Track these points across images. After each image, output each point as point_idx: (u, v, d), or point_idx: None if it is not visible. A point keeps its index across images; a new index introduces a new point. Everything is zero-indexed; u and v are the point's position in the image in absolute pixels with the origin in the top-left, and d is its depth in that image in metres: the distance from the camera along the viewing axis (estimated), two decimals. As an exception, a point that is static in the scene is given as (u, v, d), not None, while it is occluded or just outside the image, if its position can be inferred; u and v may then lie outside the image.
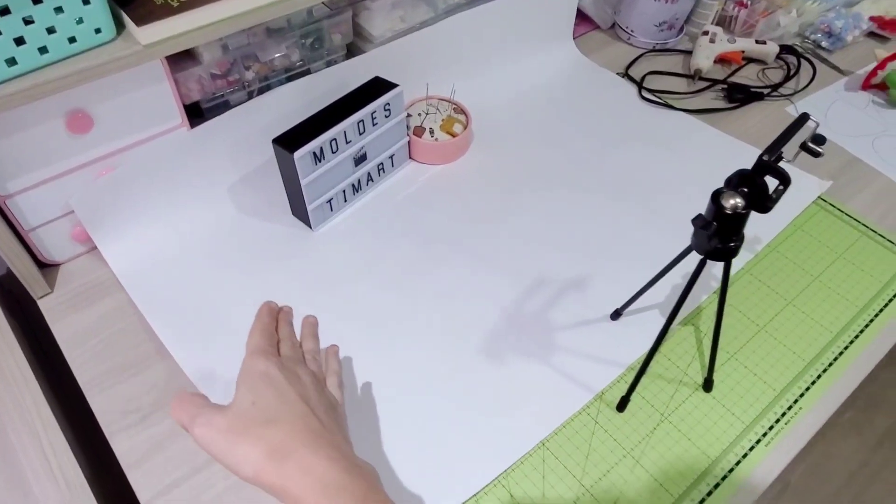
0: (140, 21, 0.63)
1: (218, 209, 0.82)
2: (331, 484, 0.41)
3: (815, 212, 0.85)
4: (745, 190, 0.51)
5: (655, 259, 0.68)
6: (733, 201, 0.50)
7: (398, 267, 0.77)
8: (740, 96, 0.99)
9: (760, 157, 0.50)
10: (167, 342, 0.69)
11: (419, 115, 0.89)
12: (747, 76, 1.04)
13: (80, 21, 0.60)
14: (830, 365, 0.70)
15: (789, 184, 0.50)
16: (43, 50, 0.60)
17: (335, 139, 0.76)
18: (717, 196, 0.50)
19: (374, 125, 0.80)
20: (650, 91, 1.01)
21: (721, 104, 0.99)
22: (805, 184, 0.87)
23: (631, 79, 1.03)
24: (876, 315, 0.74)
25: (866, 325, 0.73)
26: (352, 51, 0.88)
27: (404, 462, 0.61)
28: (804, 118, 0.53)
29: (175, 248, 0.78)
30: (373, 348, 0.70)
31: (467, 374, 0.68)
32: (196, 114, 0.79)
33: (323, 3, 0.78)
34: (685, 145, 0.92)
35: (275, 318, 0.57)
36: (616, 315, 0.72)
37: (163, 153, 0.75)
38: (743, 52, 1.05)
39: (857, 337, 0.72)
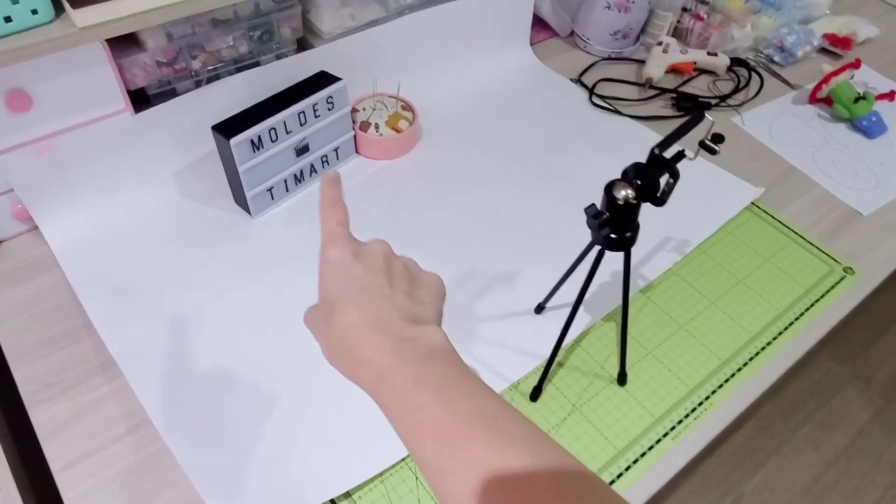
0: (76, 4, 0.65)
1: (161, 194, 0.83)
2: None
3: (748, 218, 0.86)
4: (639, 182, 0.53)
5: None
6: (625, 192, 0.52)
7: (332, 256, 0.79)
8: (688, 105, 1.01)
9: (652, 150, 0.52)
10: (94, 319, 0.70)
11: (365, 110, 0.91)
12: (698, 87, 1.07)
13: (15, 1, 0.62)
14: (745, 365, 0.71)
15: (678, 178, 0.52)
16: (-22, 28, 0.62)
17: (274, 128, 0.78)
18: (609, 187, 0.52)
19: (316, 117, 0.82)
20: (600, 97, 1.03)
21: (669, 112, 1.01)
22: (738, 190, 0.88)
23: (583, 85, 1.05)
24: (797, 318, 0.76)
25: (785, 328, 0.75)
26: (303, 46, 0.90)
27: (308, 437, 0.63)
28: (700, 116, 0.55)
29: (115, 229, 0.80)
30: (297, 327, 0.71)
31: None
32: (143, 100, 0.81)
33: (268, -4, 0.81)
34: (627, 150, 0.94)
35: (339, 188, 0.50)
36: (539, 309, 0.74)
37: (105, 136, 0.77)
38: (695, 63, 1.07)
39: (774, 339, 0.74)
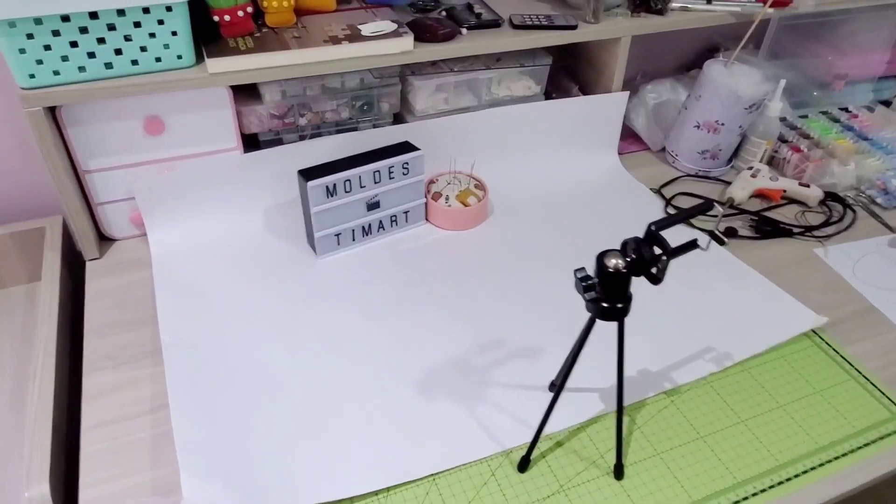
0: (211, 54, 0.81)
1: (249, 224, 0.95)
2: None
3: (806, 346, 0.81)
4: (633, 256, 0.54)
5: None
6: (615, 261, 0.53)
7: (379, 302, 0.85)
8: (767, 229, 0.99)
9: (649, 226, 0.54)
10: (160, 312, 0.81)
11: (440, 182, 0.99)
12: (784, 214, 1.04)
13: (167, 46, 0.79)
14: (762, 491, 0.66)
15: (671, 256, 0.53)
16: (135, 62, 0.79)
17: (349, 180, 0.88)
18: (602, 255, 0.54)
19: (390, 178, 0.91)
20: (675, 207, 1.03)
21: (746, 233, 0.99)
22: (798, 314, 0.84)
23: (661, 195, 1.07)
24: (837, 457, 0.69)
25: (820, 464, 0.68)
26: (399, 120, 1.01)
27: (302, 451, 0.66)
28: (708, 205, 0.56)
29: (204, 246, 0.92)
30: (326, 361, 0.77)
31: (394, 398, 0.72)
32: (253, 144, 0.95)
33: (370, 72, 0.93)
34: (689, 261, 0.93)
35: None
36: (553, 387, 0.74)
37: (216, 168, 0.91)
38: (784, 191, 1.05)
39: (805, 472, 0.67)
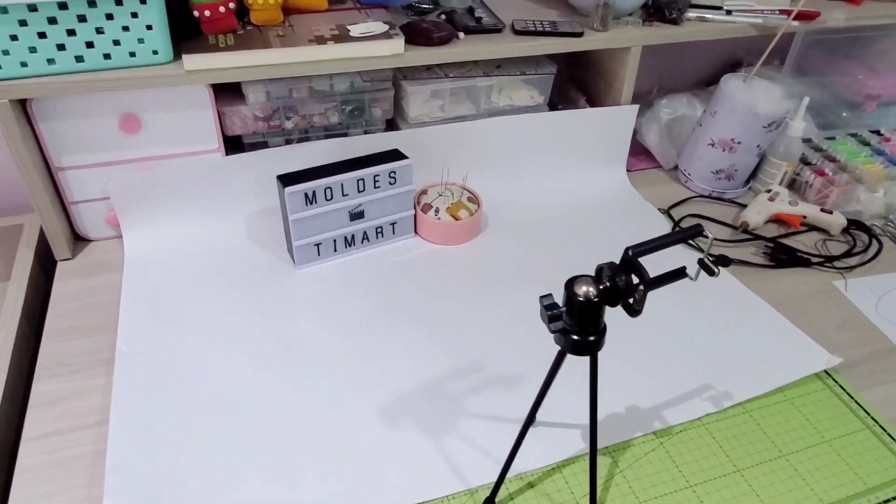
0: (187, 51, 0.77)
1: (228, 230, 0.91)
2: None
3: (817, 388, 0.73)
4: (608, 284, 0.48)
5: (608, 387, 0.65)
6: (586, 289, 0.47)
7: (354, 318, 0.79)
8: (783, 257, 0.91)
9: (626, 251, 0.47)
10: (121, 318, 0.77)
11: (430, 194, 0.94)
12: (803, 242, 0.96)
13: (141, 41, 0.75)
14: (756, 552, 0.58)
15: (649, 286, 0.46)
16: (107, 56, 0.75)
17: (330, 188, 0.83)
18: (571, 282, 0.48)
19: (375, 187, 0.86)
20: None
21: (759, 260, 0.92)
22: (809, 353, 0.76)
23: (669, 216, 1.00)
24: (844, 518, 0.61)
25: (824, 525, 0.61)
26: (392, 126, 0.97)
27: (247, 481, 0.61)
28: (698, 230, 0.50)
29: (180, 251, 0.88)
30: (289, 380, 0.72)
31: (355, 423, 0.67)
32: (237, 146, 0.91)
33: (360, 75, 0.89)
34: (695, 287, 0.86)
35: None
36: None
37: (196, 169, 0.87)
38: (804, 217, 0.98)
39: (806, 533, 0.60)
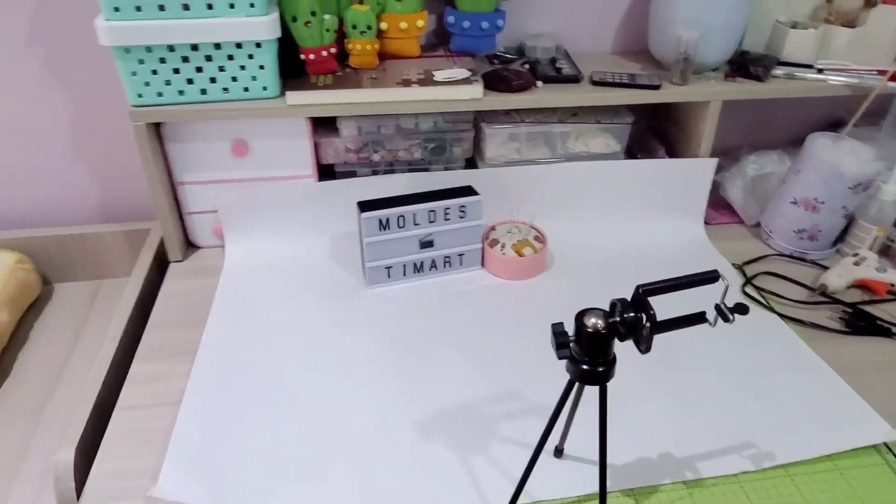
0: (290, 88, 0.88)
1: (314, 248, 1.01)
2: None
3: (872, 462, 0.70)
4: (618, 318, 0.50)
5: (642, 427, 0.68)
6: (595, 320, 0.50)
7: (412, 339, 0.85)
8: (860, 324, 0.87)
9: (637, 288, 0.50)
10: (211, 316, 0.88)
11: (499, 230, 0.99)
12: (889, 312, 0.91)
13: (254, 78, 0.88)
14: None
15: (654, 322, 0.49)
16: (225, 90, 0.88)
17: (403, 216, 0.90)
18: (581, 313, 0.51)
19: (446, 219, 0.93)
20: (755, 287, 0.94)
21: (834, 325, 0.88)
22: (867, 422, 0.72)
23: (742, 272, 0.98)
24: None
25: None
26: (471, 165, 1.03)
27: (288, 471, 0.68)
28: (714, 274, 0.51)
29: (270, 263, 0.98)
30: (342, 387, 0.78)
31: (393, 432, 0.72)
32: (330, 174, 1.01)
33: (442, 116, 0.96)
34: (756, 345, 0.84)
35: None
36: (559, 453, 0.70)
37: (291, 192, 0.98)
38: (892, 285, 0.92)
39: None
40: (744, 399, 0.77)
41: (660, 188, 1.04)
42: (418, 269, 0.96)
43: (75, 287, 1.09)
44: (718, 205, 1.11)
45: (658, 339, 0.82)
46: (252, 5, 0.82)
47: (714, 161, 1.02)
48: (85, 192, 1.12)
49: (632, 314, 0.49)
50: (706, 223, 1.08)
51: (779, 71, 0.98)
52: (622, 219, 1.05)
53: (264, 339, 0.85)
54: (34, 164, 1.08)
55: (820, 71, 0.98)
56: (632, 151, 1.06)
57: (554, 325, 0.52)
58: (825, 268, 0.99)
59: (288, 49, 0.90)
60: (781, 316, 0.89)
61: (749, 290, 0.95)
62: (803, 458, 0.69)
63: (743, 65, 0.98)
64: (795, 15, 1.00)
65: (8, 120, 1.03)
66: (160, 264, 1.03)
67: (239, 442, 0.71)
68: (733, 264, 1.00)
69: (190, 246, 1.04)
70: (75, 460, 0.69)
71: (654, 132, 1.11)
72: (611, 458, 0.69)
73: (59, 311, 1.04)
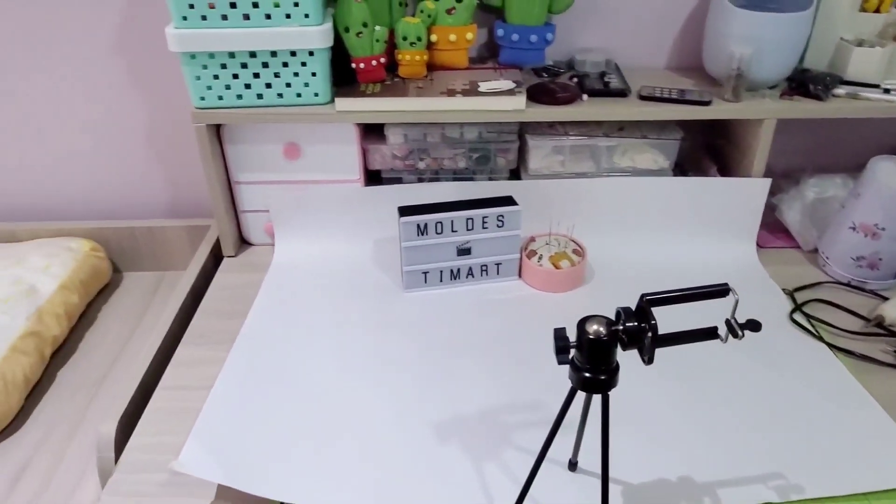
0: (340, 95, 0.92)
1: (357, 250, 1.04)
2: None
3: (913, 505, 0.65)
4: (621, 327, 0.50)
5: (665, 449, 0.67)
6: (597, 327, 0.50)
7: (443, 343, 0.87)
8: (918, 360, 0.82)
9: (642, 297, 0.49)
10: (253, 309, 0.92)
11: (538, 242, 0.99)
12: (954, 349, 0.85)
13: (306, 84, 0.92)
14: None
15: (655, 331, 0.48)
16: (280, 95, 0.93)
17: (441, 222, 0.92)
18: (584, 320, 0.51)
19: (483, 228, 0.94)
20: (805, 315, 0.90)
21: (888, 359, 0.83)
22: (910, 464, 0.67)
23: (793, 299, 0.94)
24: None
25: None
26: (515, 175, 1.04)
27: (304, 457, 0.70)
28: (723, 290, 0.50)
29: (314, 263, 1.02)
30: (368, 385, 0.81)
31: (412, 430, 0.73)
32: (376, 179, 1.05)
33: (487, 126, 0.98)
34: (800, 371, 0.80)
35: None
36: (573, 466, 0.69)
37: (339, 195, 1.02)
38: (959, 320, 0.86)
39: None
40: (779, 428, 0.73)
41: (709, 207, 1.01)
42: (455, 275, 0.97)
43: (142, 276, 1.17)
44: (774, 228, 1.07)
45: (695, 362, 0.80)
46: (307, 16, 0.86)
47: (767, 181, 0.98)
48: (155, 188, 1.21)
49: (634, 323, 0.49)
50: (759, 246, 1.04)
51: (841, 90, 0.94)
52: (667, 236, 1.03)
53: (299, 334, 0.88)
54: (112, 161, 1.17)
55: (886, 91, 0.93)
56: (683, 168, 1.04)
57: (556, 330, 0.52)
58: (885, 298, 0.93)
59: (340, 58, 0.94)
60: (830, 346, 0.85)
61: (798, 317, 0.90)
62: (834, 494, 0.66)
63: (802, 83, 0.95)
64: (862, 33, 0.96)
65: (92, 120, 1.13)
66: (216, 259, 1.09)
67: (261, 429, 0.74)
68: (784, 289, 0.96)
69: (244, 243, 1.09)
70: (116, 433, 0.74)
71: (708, 150, 1.08)
72: (630, 478, 0.68)
73: (125, 297, 1.12)
